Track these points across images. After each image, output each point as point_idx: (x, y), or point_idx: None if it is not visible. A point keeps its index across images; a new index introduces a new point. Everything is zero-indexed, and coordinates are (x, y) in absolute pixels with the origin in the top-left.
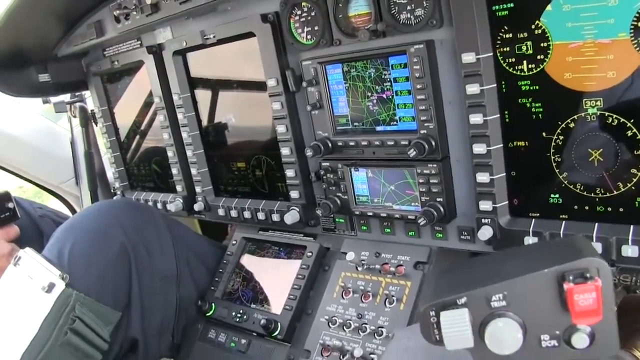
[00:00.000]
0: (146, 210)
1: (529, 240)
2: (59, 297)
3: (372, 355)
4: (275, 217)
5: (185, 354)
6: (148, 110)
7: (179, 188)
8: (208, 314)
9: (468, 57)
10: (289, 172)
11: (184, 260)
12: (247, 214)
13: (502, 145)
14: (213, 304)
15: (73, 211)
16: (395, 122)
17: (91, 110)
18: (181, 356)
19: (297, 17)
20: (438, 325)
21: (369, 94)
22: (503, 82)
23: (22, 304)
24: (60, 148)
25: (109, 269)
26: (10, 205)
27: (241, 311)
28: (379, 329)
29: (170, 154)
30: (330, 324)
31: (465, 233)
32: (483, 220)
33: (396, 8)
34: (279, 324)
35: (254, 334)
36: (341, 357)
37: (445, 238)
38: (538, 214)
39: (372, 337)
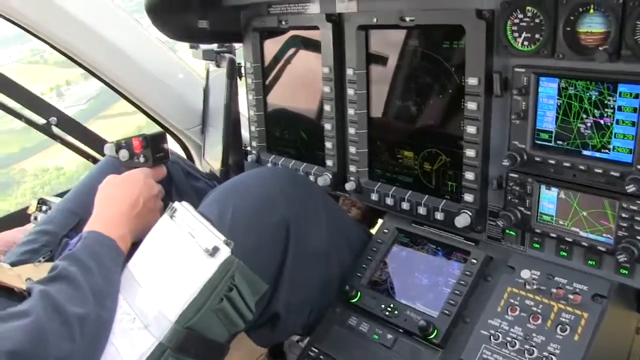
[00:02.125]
0: (308, 183)
1: None
2: (223, 264)
3: None
4: (439, 216)
5: (319, 336)
6: (309, 77)
7: (329, 163)
8: (353, 301)
9: None
10: (469, 175)
11: (333, 240)
12: (405, 205)
13: None
14: (359, 292)
15: (190, 158)
16: (607, 150)
17: (238, 64)
18: (314, 337)
19: (516, 21)
20: None
21: (584, 116)
22: None
23: (182, 261)
24: (191, 94)
25: (266, 240)
26: (165, 146)
27: (392, 305)
28: (550, 355)
29: (328, 127)
30: (492, 338)
31: None
32: None
33: None
34: (437, 327)
35: (400, 330)
36: None
37: (631, 276)
38: None
39: None
